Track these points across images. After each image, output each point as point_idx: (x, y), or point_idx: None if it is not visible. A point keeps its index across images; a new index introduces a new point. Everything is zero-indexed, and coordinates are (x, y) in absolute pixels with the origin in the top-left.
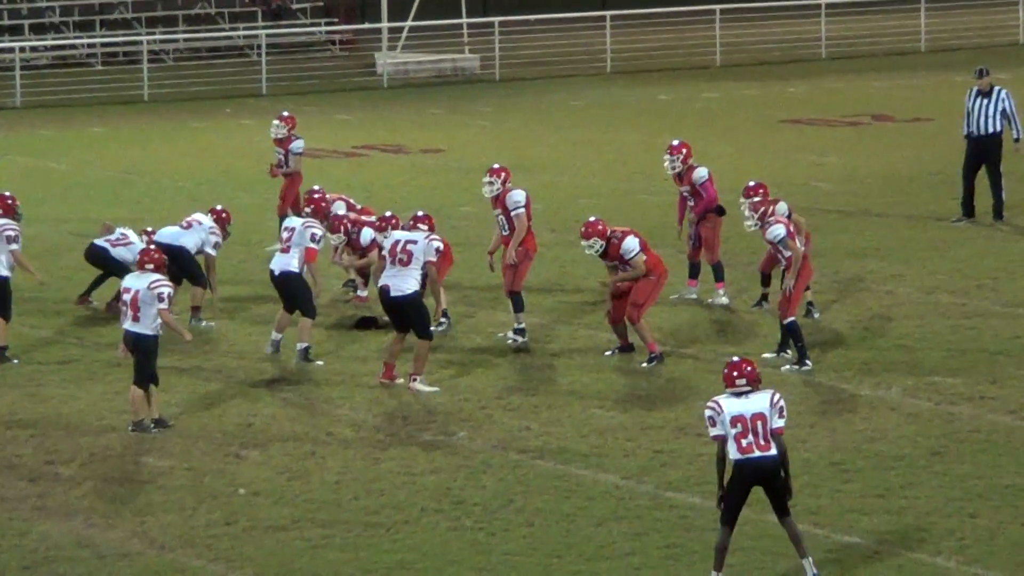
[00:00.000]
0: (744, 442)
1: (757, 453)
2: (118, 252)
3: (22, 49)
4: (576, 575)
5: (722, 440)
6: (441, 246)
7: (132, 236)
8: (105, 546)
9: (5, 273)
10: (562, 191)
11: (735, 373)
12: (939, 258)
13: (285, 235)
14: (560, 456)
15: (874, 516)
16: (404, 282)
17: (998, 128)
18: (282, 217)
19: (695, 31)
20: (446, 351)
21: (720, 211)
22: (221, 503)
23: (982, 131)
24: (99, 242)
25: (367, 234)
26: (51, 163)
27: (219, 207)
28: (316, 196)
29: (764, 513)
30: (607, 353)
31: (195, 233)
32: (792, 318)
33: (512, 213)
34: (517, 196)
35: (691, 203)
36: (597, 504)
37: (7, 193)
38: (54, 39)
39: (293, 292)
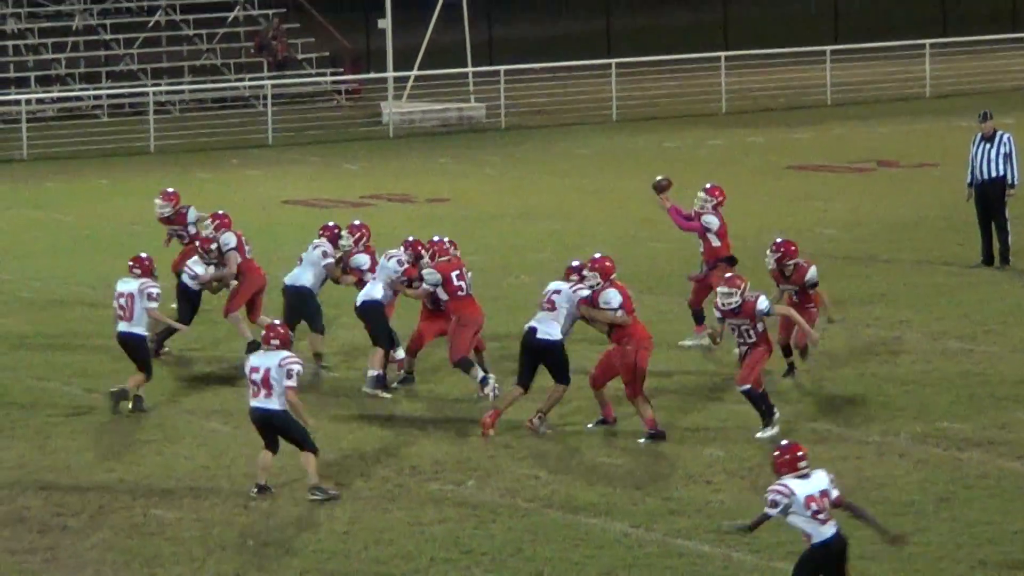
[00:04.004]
0: (821, 518)
1: (833, 528)
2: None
3: (28, 101)
4: None
5: (767, 519)
6: (587, 295)
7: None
8: None
9: (142, 332)
10: (568, 239)
11: (793, 457)
12: (946, 303)
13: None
14: (569, 504)
15: (884, 562)
16: (551, 327)
17: (1001, 172)
18: (177, 273)
19: (700, 79)
20: (454, 400)
21: (731, 260)
22: (230, 554)
23: (985, 176)
24: (186, 279)
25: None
26: (58, 215)
27: (331, 223)
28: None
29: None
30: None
31: (308, 268)
32: (748, 386)
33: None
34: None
35: (700, 248)
36: (606, 553)
37: (144, 255)
38: (60, 91)
39: (370, 320)
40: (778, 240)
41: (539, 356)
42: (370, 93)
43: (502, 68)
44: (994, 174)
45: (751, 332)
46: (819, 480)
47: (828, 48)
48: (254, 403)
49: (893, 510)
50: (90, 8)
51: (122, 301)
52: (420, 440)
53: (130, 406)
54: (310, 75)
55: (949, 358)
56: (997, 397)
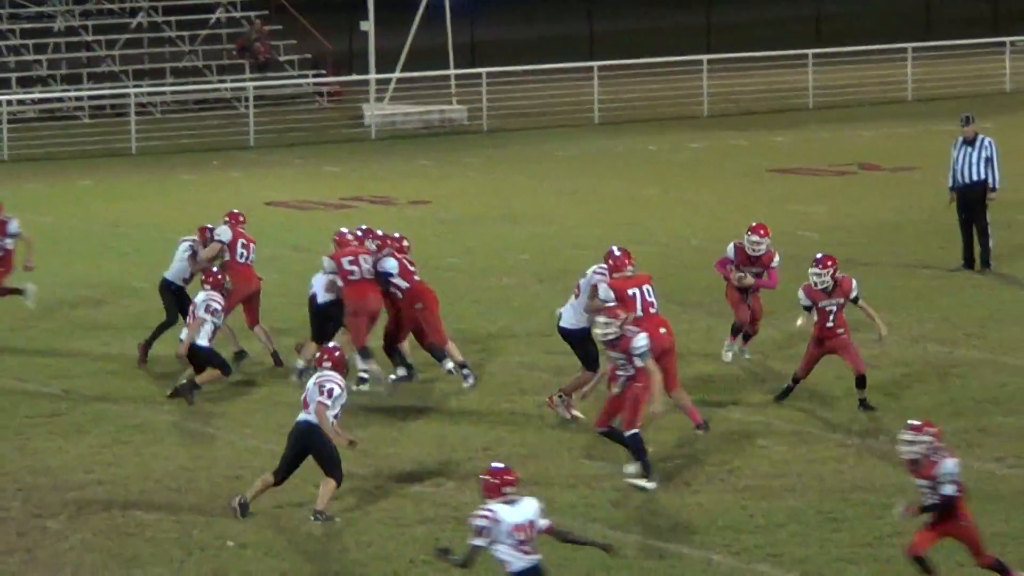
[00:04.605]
0: (526, 548)
1: (536, 558)
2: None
3: (9, 102)
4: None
5: (481, 550)
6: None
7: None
8: None
9: (205, 343)
10: (549, 241)
11: (500, 481)
12: (926, 307)
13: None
14: (549, 506)
15: (863, 565)
16: (569, 314)
17: (982, 176)
18: None
19: (682, 81)
20: (434, 402)
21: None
22: (210, 556)
23: (966, 179)
24: (170, 276)
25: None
26: (38, 217)
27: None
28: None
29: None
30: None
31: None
32: (635, 431)
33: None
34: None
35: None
36: (585, 554)
37: (216, 268)
38: (41, 92)
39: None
40: (819, 256)
41: (567, 342)
42: (352, 95)
43: (484, 71)
44: (975, 178)
45: (628, 366)
46: (527, 508)
47: (810, 52)
48: (300, 417)
49: (873, 512)
50: (72, 9)
51: (191, 309)
52: (400, 441)
53: (179, 387)
54: (292, 77)
55: (929, 361)
56: (976, 400)
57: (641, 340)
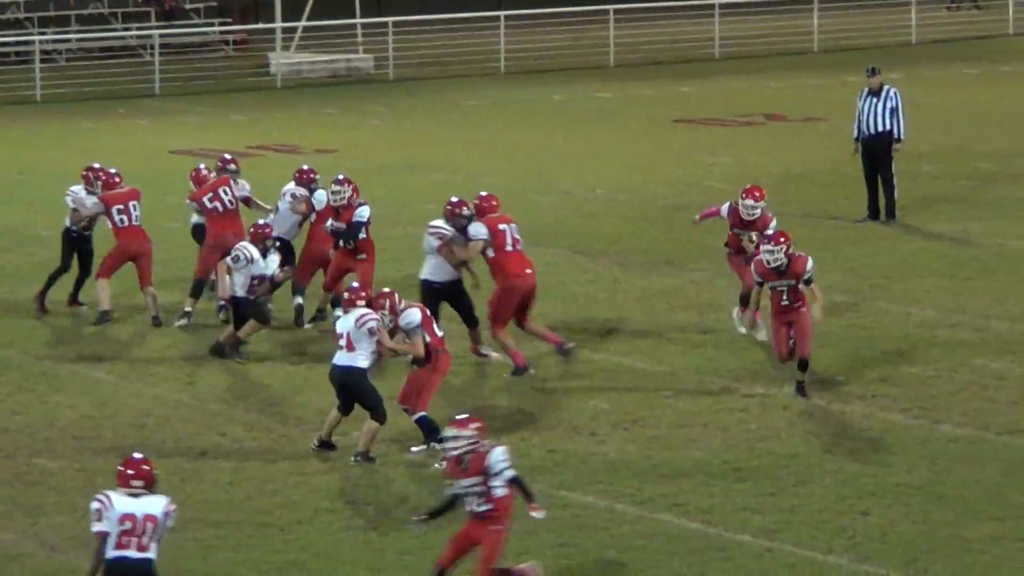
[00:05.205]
0: (125, 540)
1: (134, 554)
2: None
3: None
4: (469, 574)
5: (106, 536)
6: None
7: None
8: None
9: (242, 293)
10: (456, 190)
11: (130, 472)
12: (832, 257)
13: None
14: None
15: (766, 515)
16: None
17: (888, 127)
18: None
19: (589, 31)
20: None
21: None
22: None
23: (872, 130)
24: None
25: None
26: None
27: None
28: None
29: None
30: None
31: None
32: (423, 413)
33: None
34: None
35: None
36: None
37: (261, 221)
38: None
39: None
40: (770, 232)
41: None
42: (258, 43)
43: (391, 19)
44: (881, 128)
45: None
46: (151, 504)
47: (717, 1)
48: (335, 361)
49: (777, 462)
50: None
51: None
52: (305, 390)
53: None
54: (198, 25)
55: (834, 312)
56: (881, 351)
57: (411, 316)
